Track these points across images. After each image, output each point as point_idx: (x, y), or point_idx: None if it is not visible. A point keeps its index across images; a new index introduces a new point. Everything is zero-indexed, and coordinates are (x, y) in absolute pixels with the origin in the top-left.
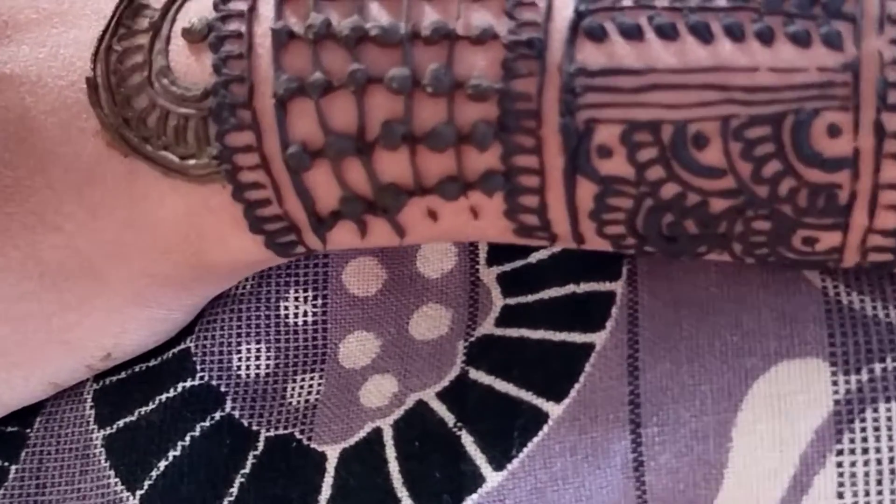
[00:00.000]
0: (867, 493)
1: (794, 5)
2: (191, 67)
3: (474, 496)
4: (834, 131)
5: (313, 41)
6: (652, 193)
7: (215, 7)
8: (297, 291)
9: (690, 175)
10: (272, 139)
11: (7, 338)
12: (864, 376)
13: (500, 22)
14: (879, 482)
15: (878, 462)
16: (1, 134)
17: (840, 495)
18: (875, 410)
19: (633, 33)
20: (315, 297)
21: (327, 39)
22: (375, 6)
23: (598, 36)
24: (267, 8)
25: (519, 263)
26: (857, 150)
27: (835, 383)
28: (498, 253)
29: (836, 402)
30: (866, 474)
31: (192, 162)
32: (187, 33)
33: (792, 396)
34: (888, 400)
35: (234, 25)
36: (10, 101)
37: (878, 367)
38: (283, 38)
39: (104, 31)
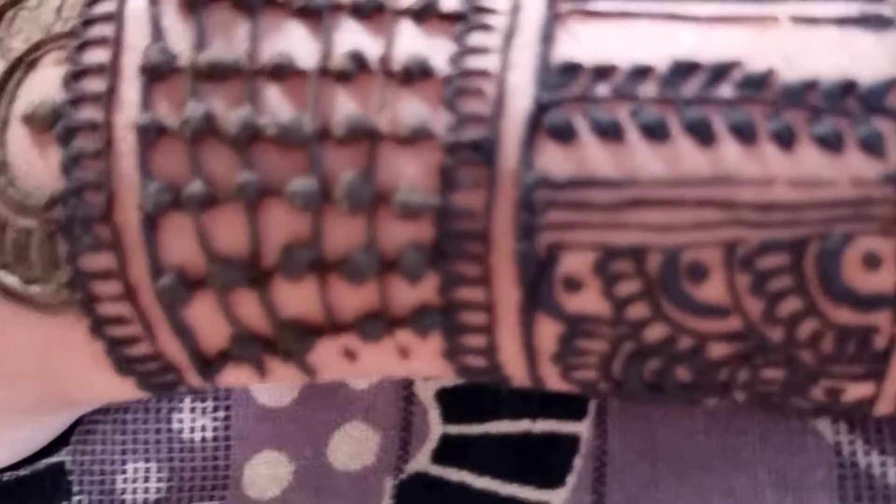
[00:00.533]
0: None
1: (821, 97)
2: (33, 165)
3: None
4: (872, 262)
5: (191, 139)
6: (633, 335)
7: (65, 85)
8: (193, 401)
9: (684, 315)
10: (139, 263)
11: None
12: None
13: (437, 115)
14: None
15: None
16: None
17: None
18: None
19: (610, 133)
20: (216, 409)
21: (210, 137)
22: (274, 93)
23: (566, 136)
24: (131, 91)
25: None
26: None
27: None
28: None
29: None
30: None
31: (37, 288)
32: (29, 119)
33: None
34: None
35: (88, 112)
36: None
37: None
38: (151, 135)
39: None
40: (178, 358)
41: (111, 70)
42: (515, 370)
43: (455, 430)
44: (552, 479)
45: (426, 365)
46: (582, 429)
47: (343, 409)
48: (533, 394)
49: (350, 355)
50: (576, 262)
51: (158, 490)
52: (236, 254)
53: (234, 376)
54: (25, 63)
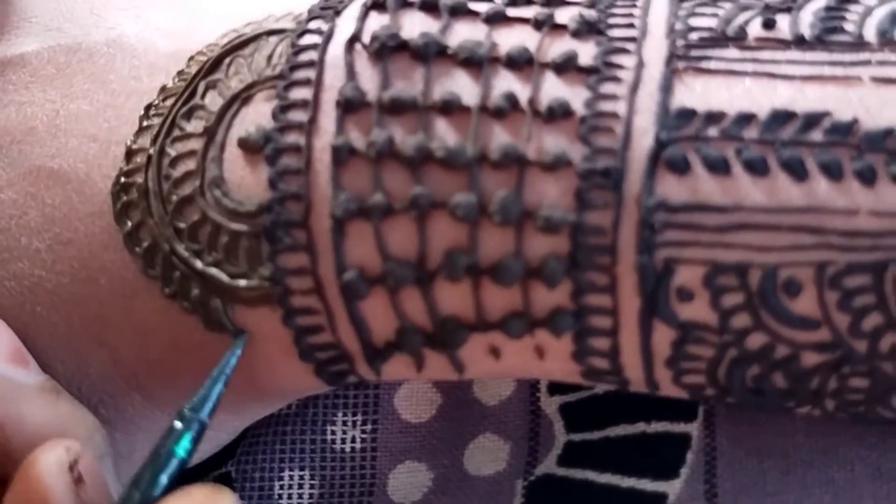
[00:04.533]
0: None
1: None
2: (245, 180)
3: None
4: None
5: (375, 159)
6: (736, 343)
7: (274, 117)
8: (345, 415)
9: (780, 325)
10: (328, 262)
11: None
12: None
13: (574, 148)
14: None
15: None
16: (46, 235)
17: None
18: None
19: (719, 167)
20: (364, 423)
21: (390, 158)
22: (442, 124)
23: (681, 168)
24: (327, 121)
25: (584, 394)
26: None
27: None
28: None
29: None
30: None
31: (242, 283)
32: (243, 143)
33: None
34: None
35: (292, 137)
36: (57, 199)
37: None
38: (343, 155)
39: (158, 132)
40: (352, 347)
41: (313, 104)
42: (634, 373)
43: (578, 437)
44: (667, 471)
45: (558, 367)
46: (692, 429)
47: (477, 423)
48: (647, 401)
49: (495, 352)
50: (688, 275)
51: (311, 496)
52: (407, 256)
53: (396, 367)
54: (240, 99)
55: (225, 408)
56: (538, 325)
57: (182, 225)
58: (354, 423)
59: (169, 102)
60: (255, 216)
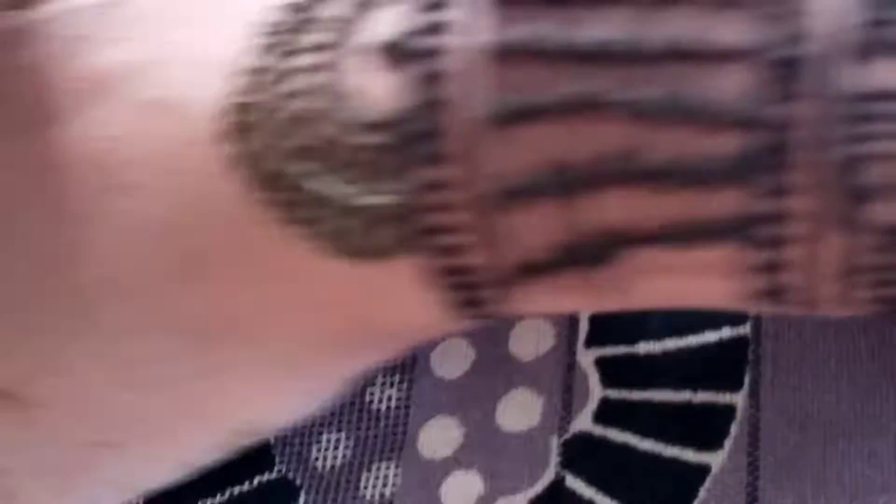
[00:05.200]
0: None
1: None
2: (374, 89)
3: None
4: None
5: (524, 58)
6: None
7: (407, 18)
8: (384, 375)
9: None
10: (468, 174)
11: (133, 407)
12: None
13: (759, 35)
14: None
15: None
16: (152, 167)
17: None
18: None
19: None
20: (401, 381)
21: (540, 56)
22: (603, 17)
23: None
24: (468, 21)
25: (622, 350)
26: None
27: None
28: (600, 333)
29: None
30: None
31: (372, 198)
32: (371, 49)
33: None
34: None
35: (429, 40)
36: (163, 129)
37: None
38: (487, 57)
39: (269, 49)
40: (491, 270)
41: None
42: (828, 288)
43: (615, 394)
44: (711, 442)
45: (725, 284)
46: (738, 399)
47: (509, 377)
48: (690, 367)
49: (650, 270)
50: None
51: (345, 456)
52: (558, 164)
53: (536, 294)
54: (363, 5)
55: (336, 349)
56: (719, 236)
57: (295, 143)
58: (392, 382)
59: (277, 17)
60: (385, 128)
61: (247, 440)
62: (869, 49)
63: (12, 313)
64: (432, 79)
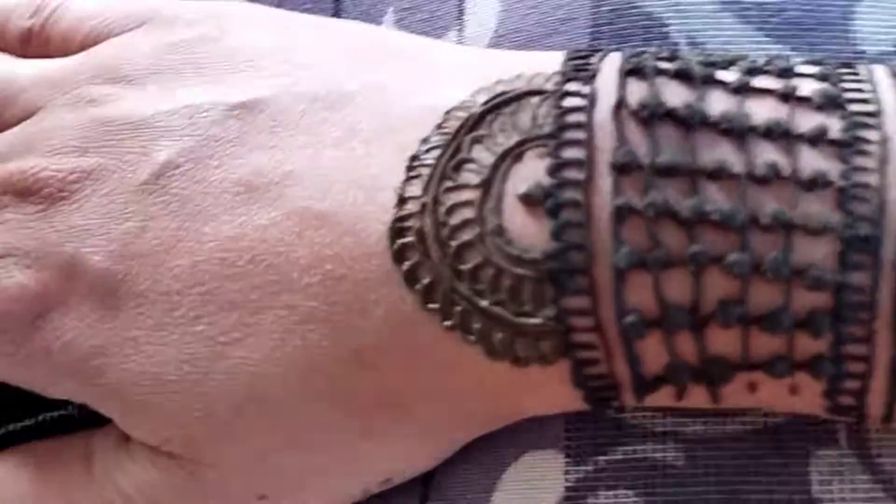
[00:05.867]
0: None
1: None
2: (527, 230)
3: None
4: None
5: (654, 218)
6: None
7: (550, 173)
8: None
9: None
10: (608, 306)
11: (300, 465)
12: (590, 467)
13: (835, 214)
14: None
15: None
16: (317, 271)
17: None
18: (596, 497)
19: None
20: None
21: (666, 217)
22: (713, 189)
23: None
24: (604, 181)
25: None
26: None
27: (567, 472)
28: None
29: (567, 489)
30: None
31: (528, 320)
32: (525, 197)
33: (534, 482)
34: (607, 488)
35: (570, 194)
36: (326, 239)
37: (601, 459)
38: (623, 213)
39: (428, 181)
40: (623, 378)
41: (588, 164)
42: (876, 410)
43: None
44: None
45: (808, 403)
46: None
47: None
48: None
49: (752, 387)
50: None
51: None
52: (682, 303)
53: (660, 396)
54: (512, 155)
55: (482, 425)
56: (799, 368)
57: (463, 267)
58: None
59: (434, 153)
60: (539, 263)
61: (378, 490)
62: None
63: (192, 386)
64: (571, 227)
